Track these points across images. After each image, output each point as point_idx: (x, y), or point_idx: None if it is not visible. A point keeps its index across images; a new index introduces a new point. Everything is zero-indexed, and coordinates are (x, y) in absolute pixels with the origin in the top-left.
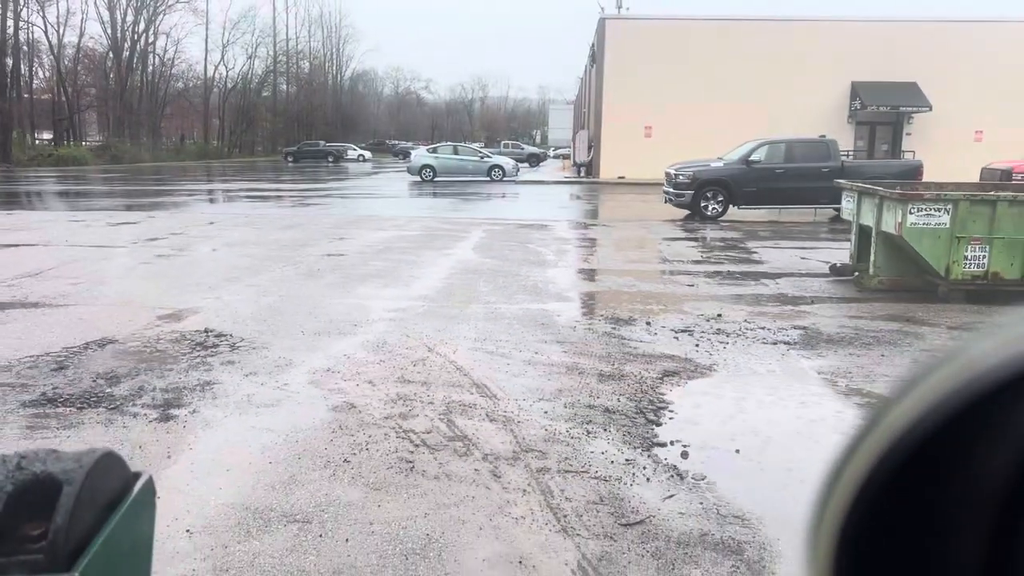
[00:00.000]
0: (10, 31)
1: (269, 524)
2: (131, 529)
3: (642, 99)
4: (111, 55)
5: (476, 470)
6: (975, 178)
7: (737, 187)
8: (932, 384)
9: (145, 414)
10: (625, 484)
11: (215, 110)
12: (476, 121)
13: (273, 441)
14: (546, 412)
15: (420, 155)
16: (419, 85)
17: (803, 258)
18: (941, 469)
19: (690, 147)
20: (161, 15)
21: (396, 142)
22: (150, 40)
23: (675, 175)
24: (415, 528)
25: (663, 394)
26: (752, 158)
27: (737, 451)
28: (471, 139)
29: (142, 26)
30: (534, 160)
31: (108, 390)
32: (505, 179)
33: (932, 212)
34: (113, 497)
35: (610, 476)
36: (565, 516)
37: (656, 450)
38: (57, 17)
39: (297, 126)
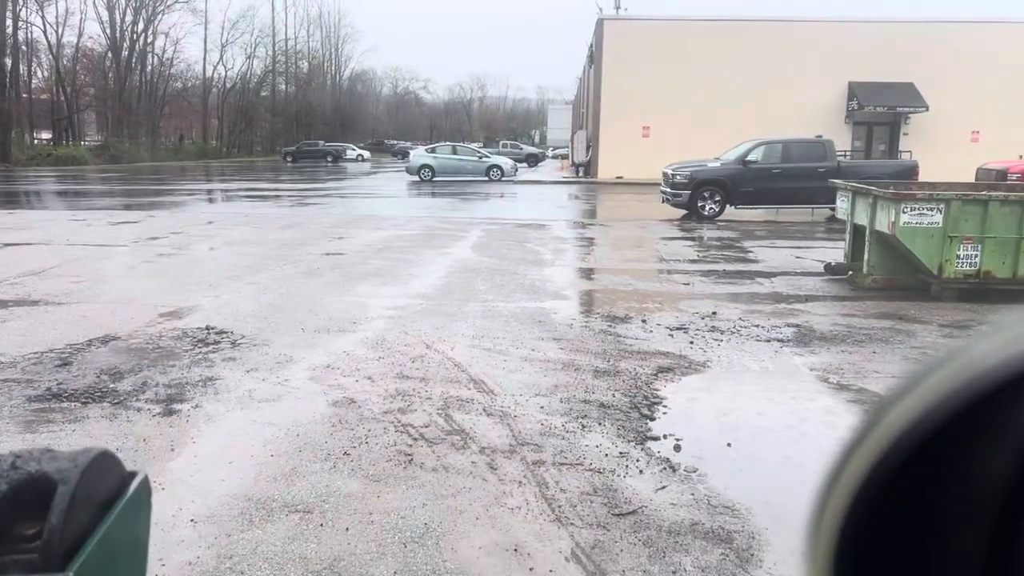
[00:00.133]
0: (9, 31)
1: (271, 514)
2: (126, 528)
3: (640, 99)
4: (110, 55)
5: (473, 462)
6: (972, 178)
7: (734, 187)
8: (932, 384)
9: (149, 409)
10: (618, 476)
11: (214, 110)
12: (475, 121)
13: (274, 435)
14: (542, 407)
15: (419, 155)
16: (418, 85)
17: (798, 257)
18: (941, 469)
19: (688, 147)
20: (160, 15)
21: (395, 142)
22: (149, 40)
23: (672, 175)
24: (413, 518)
25: (657, 390)
26: (749, 158)
27: (729, 444)
28: (470, 139)
29: (141, 26)
30: (532, 160)
31: (112, 385)
32: (504, 179)
33: (925, 212)
34: (108, 496)
35: (604, 468)
36: (560, 506)
37: (649, 443)
38: (56, 17)
39: (296, 126)
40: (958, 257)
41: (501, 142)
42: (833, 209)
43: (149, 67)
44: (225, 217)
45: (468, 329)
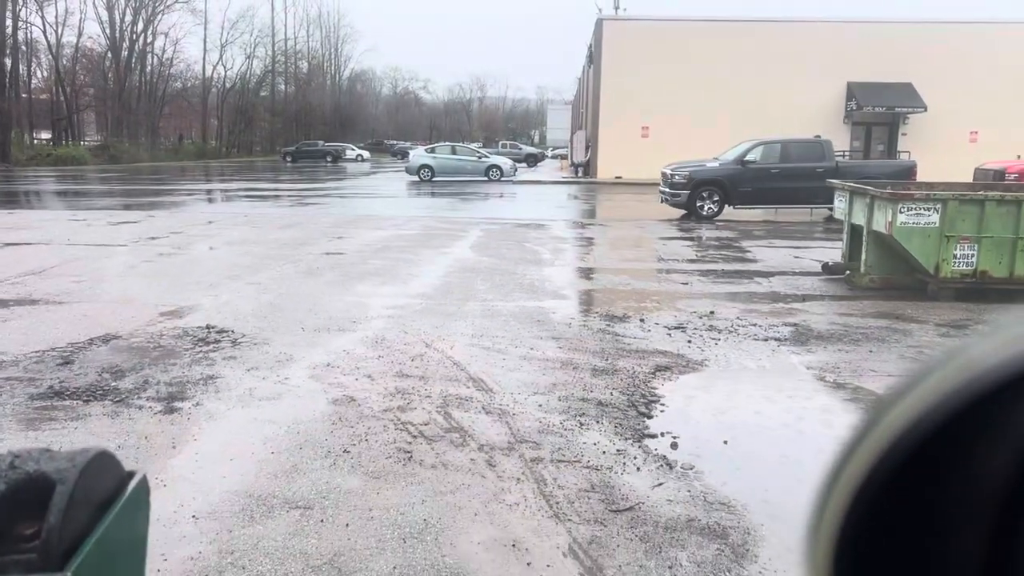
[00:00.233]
0: (9, 31)
1: (272, 510)
2: (125, 528)
3: (639, 99)
4: (109, 55)
5: (472, 460)
6: (970, 178)
7: (732, 187)
8: (932, 384)
9: (150, 407)
10: (616, 473)
11: (213, 110)
12: (474, 121)
13: (275, 432)
14: (540, 405)
15: (418, 155)
16: (417, 85)
17: (796, 257)
18: (941, 469)
19: (687, 147)
20: (160, 15)
21: (394, 142)
22: (148, 40)
23: (671, 175)
24: (413, 514)
25: (655, 388)
26: (747, 158)
27: (725, 442)
28: (469, 139)
29: (140, 26)
30: (532, 160)
31: (113, 384)
32: (503, 179)
33: (922, 212)
34: (107, 496)
35: (601, 465)
36: (557, 503)
37: (647, 441)
38: (56, 17)
39: (295, 126)
40: (955, 257)
41: (500, 142)
42: (831, 209)
43: (149, 67)
44: (225, 217)
45: (467, 328)
